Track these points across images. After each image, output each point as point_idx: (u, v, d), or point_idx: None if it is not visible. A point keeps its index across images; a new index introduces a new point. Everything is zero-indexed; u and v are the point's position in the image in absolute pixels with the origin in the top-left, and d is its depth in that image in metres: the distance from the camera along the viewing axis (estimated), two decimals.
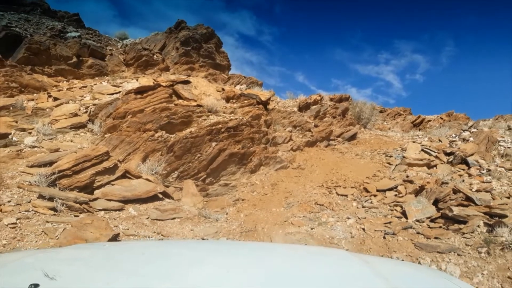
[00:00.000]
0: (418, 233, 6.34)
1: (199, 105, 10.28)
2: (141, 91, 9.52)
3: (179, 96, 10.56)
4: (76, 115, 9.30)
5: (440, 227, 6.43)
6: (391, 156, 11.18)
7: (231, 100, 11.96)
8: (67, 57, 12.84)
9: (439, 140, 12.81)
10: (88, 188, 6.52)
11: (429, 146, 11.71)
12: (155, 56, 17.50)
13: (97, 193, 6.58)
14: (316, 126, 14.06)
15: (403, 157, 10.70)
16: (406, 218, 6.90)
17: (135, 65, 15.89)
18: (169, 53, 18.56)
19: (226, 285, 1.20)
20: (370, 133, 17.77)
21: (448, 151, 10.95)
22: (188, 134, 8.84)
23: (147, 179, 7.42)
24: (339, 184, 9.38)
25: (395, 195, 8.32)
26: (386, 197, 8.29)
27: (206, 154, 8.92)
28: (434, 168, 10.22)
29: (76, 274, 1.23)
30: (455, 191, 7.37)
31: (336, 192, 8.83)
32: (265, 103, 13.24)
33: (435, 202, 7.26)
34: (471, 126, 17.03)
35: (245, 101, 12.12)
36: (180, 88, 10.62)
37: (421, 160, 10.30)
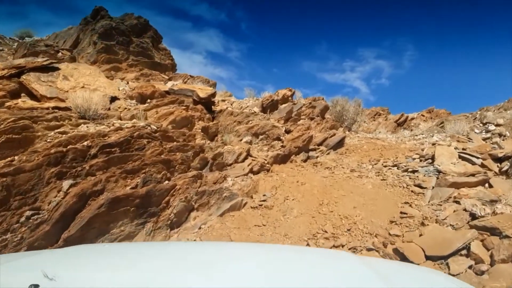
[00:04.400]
0: None
1: (66, 108, 5.29)
2: None
3: (32, 94, 5.52)
4: None
5: None
6: (414, 171, 6.51)
7: (148, 100, 7.00)
8: None
9: (469, 139, 8.37)
10: None
11: (466, 149, 7.21)
12: (60, 54, 12.31)
13: None
14: (288, 132, 9.28)
15: (438, 171, 6.08)
16: None
17: None
18: (84, 50, 13.32)
19: (226, 285, 1.12)
20: (358, 136, 13.21)
21: (500, 155, 6.46)
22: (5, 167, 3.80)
23: None
24: (339, 238, 4.61)
25: (471, 269, 3.60)
26: (451, 273, 3.56)
27: (48, 208, 3.87)
28: (487, 185, 5.69)
29: (76, 274, 1.20)
30: None
31: None
32: (206, 103, 8.34)
33: None
34: (484, 120, 12.90)
35: (173, 100, 7.19)
36: (32, 80, 5.57)
37: (471, 175, 5.72)
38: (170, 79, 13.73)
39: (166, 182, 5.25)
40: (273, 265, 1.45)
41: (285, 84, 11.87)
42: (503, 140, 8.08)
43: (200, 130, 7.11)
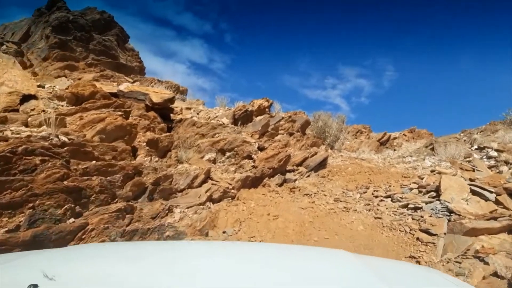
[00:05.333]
0: None
1: None
2: None
3: None
4: None
5: None
6: (416, 208, 5.03)
7: (86, 103, 5.28)
8: None
9: (473, 166, 7.04)
10: None
11: (475, 181, 5.84)
12: (4, 47, 10.43)
13: None
14: (261, 149, 7.70)
15: (449, 210, 4.63)
16: None
17: None
18: (35, 44, 11.46)
19: (226, 285, 1.10)
20: (342, 156, 11.80)
21: None
22: None
23: None
24: None
25: None
26: None
27: None
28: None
29: (75, 274, 1.17)
30: None
31: None
32: (162, 110, 6.69)
33: None
34: (475, 144, 11.80)
35: (120, 104, 5.51)
36: None
37: (492, 218, 4.29)
38: (134, 82, 11.94)
39: (72, 220, 3.52)
40: (273, 265, 1.42)
41: (270, 98, 10.71)
42: (510, 169, 6.80)
43: (144, 144, 5.43)
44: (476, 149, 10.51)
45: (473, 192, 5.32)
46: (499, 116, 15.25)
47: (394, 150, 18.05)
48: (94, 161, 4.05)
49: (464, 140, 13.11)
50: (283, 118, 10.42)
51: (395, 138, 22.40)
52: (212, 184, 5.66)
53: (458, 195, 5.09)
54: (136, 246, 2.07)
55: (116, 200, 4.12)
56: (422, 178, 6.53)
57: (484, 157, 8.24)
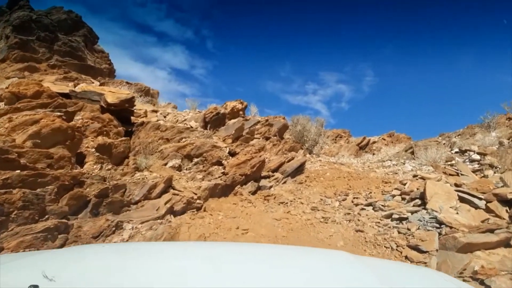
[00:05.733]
0: None
1: None
2: None
3: None
4: None
5: None
6: (401, 219, 4.51)
7: (19, 102, 4.48)
8: None
9: (456, 170, 6.66)
10: None
11: (461, 186, 5.42)
12: None
13: None
14: (233, 154, 7.07)
15: (439, 222, 4.12)
16: None
17: None
18: None
19: (226, 285, 1.09)
20: (320, 161, 11.33)
21: (509, 196, 4.69)
22: None
23: None
24: None
25: None
26: None
27: None
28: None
29: (75, 275, 1.16)
30: None
31: None
32: (120, 112, 5.98)
33: None
34: (454, 147, 11.61)
35: (76, 103, 4.76)
36: None
37: (488, 230, 3.82)
38: (102, 85, 11.07)
39: None
40: (272, 265, 1.42)
41: (249, 103, 10.13)
42: (495, 173, 6.46)
43: (93, 150, 4.68)
44: (456, 152, 10.28)
45: (461, 199, 4.87)
46: (477, 120, 15.24)
47: (373, 154, 17.85)
48: (18, 171, 3.30)
49: (444, 144, 12.95)
50: (259, 121, 9.84)
51: (374, 142, 22.32)
52: (174, 194, 4.97)
53: (446, 203, 4.62)
54: (136, 246, 2.06)
55: (47, 217, 3.38)
56: (404, 184, 6.07)
57: (467, 160, 7.93)
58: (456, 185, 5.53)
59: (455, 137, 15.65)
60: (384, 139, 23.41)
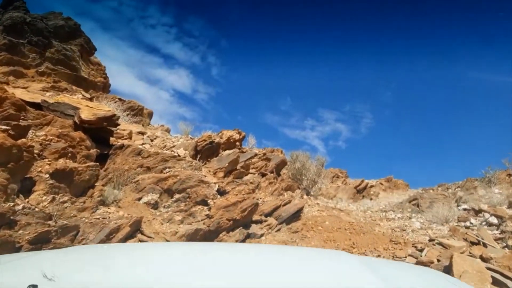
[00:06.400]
0: None
1: None
2: None
3: None
4: None
5: None
6: None
7: None
8: None
9: (478, 240, 5.71)
10: None
11: (489, 261, 4.48)
12: None
13: None
14: (222, 193, 6.10)
15: None
16: None
17: None
18: None
19: (225, 285, 1.11)
20: (318, 204, 10.33)
21: None
22: None
23: None
24: None
25: None
26: None
27: None
28: None
29: (74, 275, 1.17)
30: None
31: None
32: (97, 130, 5.07)
33: None
34: (461, 202, 10.74)
35: (5, 114, 3.88)
36: None
37: None
38: (91, 99, 10.21)
39: None
40: (273, 266, 1.41)
41: (248, 133, 9.50)
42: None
43: (47, 176, 3.72)
44: (464, 209, 9.41)
45: (494, 281, 3.91)
46: (476, 173, 14.75)
47: (371, 199, 17.02)
48: None
49: (448, 197, 12.07)
50: (256, 155, 8.96)
51: (372, 186, 21.60)
52: (141, 241, 3.96)
53: (478, 285, 3.66)
54: (135, 247, 2.04)
55: None
56: (421, 250, 5.09)
57: (484, 223, 7.00)
58: (482, 258, 4.58)
59: (455, 189, 14.89)
60: (382, 184, 22.68)
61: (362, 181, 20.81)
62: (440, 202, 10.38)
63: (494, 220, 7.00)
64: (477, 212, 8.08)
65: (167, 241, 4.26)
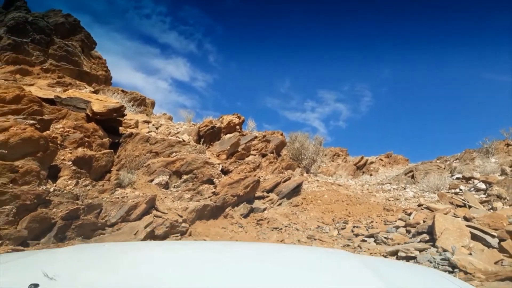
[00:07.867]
0: None
1: None
2: None
3: None
4: None
5: None
6: (407, 259, 4.00)
7: (1, 105, 4.03)
8: None
9: (464, 203, 6.18)
10: None
11: (471, 220, 4.94)
12: None
13: None
14: (226, 172, 6.59)
15: (452, 265, 3.63)
16: None
17: None
18: None
19: (225, 285, 1.08)
20: (318, 181, 10.85)
21: None
22: None
23: None
24: None
25: None
26: None
27: None
28: None
29: (76, 274, 1.16)
30: None
31: None
32: (107, 121, 5.50)
33: None
34: (455, 172, 11.19)
35: (59, 109, 4.30)
36: None
37: (507, 278, 3.35)
38: (96, 92, 10.60)
39: None
40: (273, 265, 1.42)
41: (248, 118, 9.82)
42: (504, 205, 6.00)
43: (70, 163, 4.19)
44: (458, 178, 9.84)
45: (473, 236, 4.39)
46: (475, 145, 14.89)
47: (371, 175, 17.44)
48: None
49: (444, 168, 12.52)
50: (256, 137, 9.40)
51: (371, 162, 21.98)
52: (156, 216, 4.45)
53: (458, 240, 4.14)
54: (136, 246, 2.05)
55: (0, 242, 2.86)
56: (409, 214, 5.58)
57: (472, 189, 7.47)
58: (465, 218, 5.06)
59: (453, 161, 15.24)
60: (382, 160, 23.04)
61: (362, 158, 21.20)
62: (435, 173, 10.83)
63: (482, 185, 7.46)
64: (467, 179, 8.54)
65: (180, 216, 4.75)
